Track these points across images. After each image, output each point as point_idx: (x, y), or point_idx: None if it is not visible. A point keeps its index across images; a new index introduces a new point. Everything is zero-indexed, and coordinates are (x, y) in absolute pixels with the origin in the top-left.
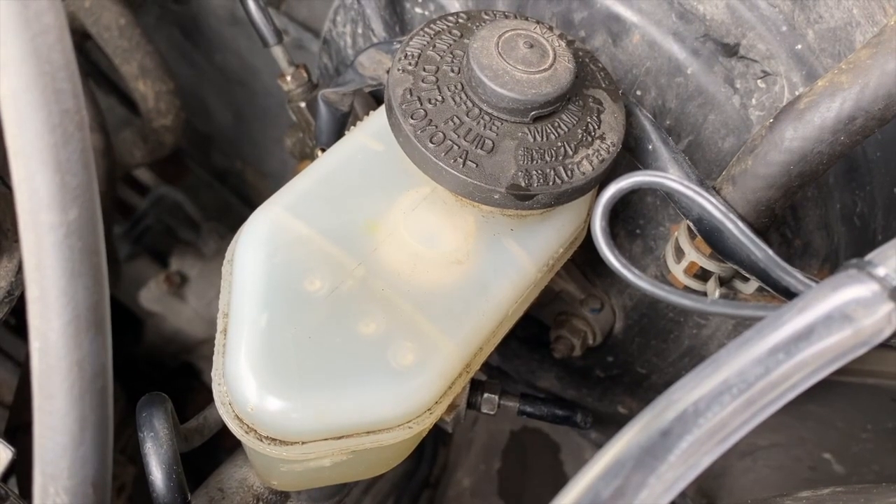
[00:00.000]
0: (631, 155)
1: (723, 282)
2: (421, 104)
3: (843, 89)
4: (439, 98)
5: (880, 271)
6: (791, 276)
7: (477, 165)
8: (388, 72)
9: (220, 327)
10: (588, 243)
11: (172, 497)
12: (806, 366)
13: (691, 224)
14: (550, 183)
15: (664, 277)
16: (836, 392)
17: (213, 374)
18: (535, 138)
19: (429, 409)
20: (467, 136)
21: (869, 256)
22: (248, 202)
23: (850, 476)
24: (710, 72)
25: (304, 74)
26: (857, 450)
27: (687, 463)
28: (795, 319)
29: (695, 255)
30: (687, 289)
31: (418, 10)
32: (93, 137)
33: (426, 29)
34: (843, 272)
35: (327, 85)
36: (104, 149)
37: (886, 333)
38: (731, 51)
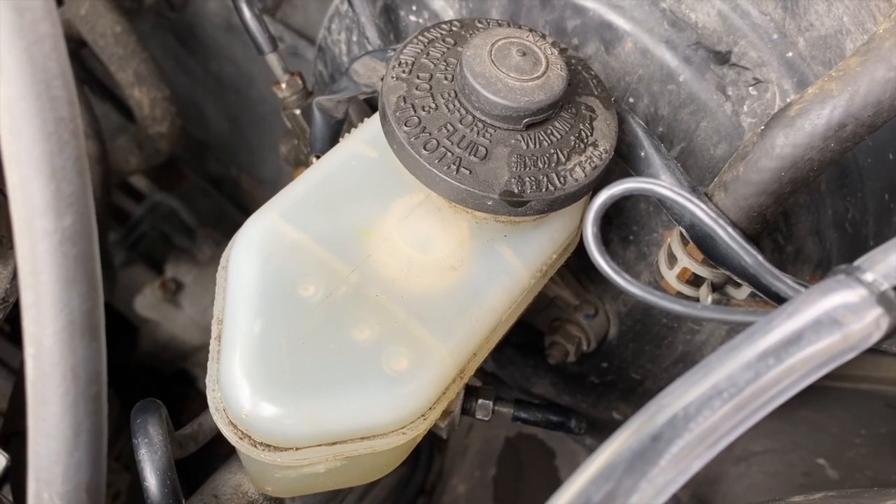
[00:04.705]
0: (623, 162)
1: (715, 287)
2: (415, 111)
3: (833, 96)
4: (433, 105)
5: (868, 276)
6: (781, 281)
7: (470, 172)
8: (382, 79)
9: (214, 333)
10: (582, 249)
11: (167, 503)
12: (795, 370)
13: (683, 230)
14: (543, 189)
15: (657, 283)
16: (830, 397)
17: (207, 380)
18: (528, 145)
19: (423, 415)
20: (461, 143)
21: (857, 262)
22: (244, 209)
23: (845, 481)
24: (702, 79)
25: (299, 82)
26: (850, 455)
27: (678, 467)
28: (785, 324)
29: (687, 261)
30: (680, 294)
31: (412, 17)
32: (88, 144)
33: (420, 37)
34: (832, 277)
35: (322, 92)
36: (99, 156)
37: (875, 338)
38: (722, 58)
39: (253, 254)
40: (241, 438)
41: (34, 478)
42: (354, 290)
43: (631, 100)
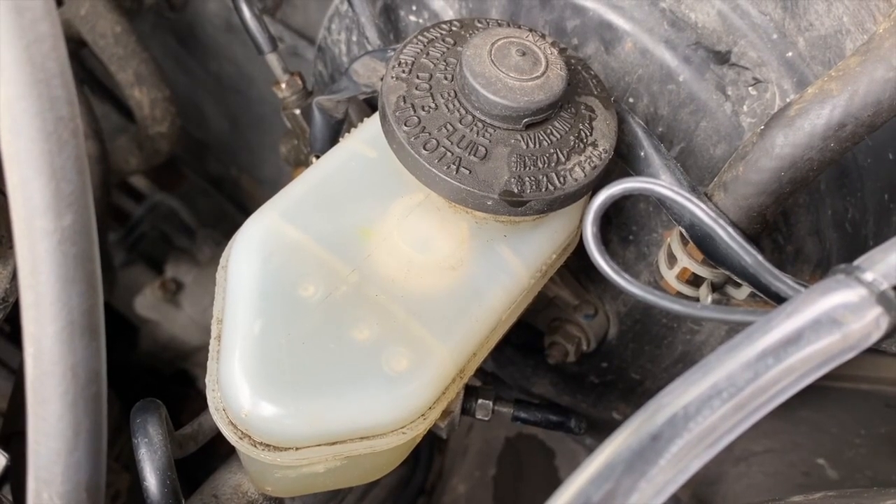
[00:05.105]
0: (623, 162)
1: (715, 287)
2: (414, 111)
3: (832, 96)
4: (433, 105)
5: (868, 276)
6: (781, 281)
7: (470, 172)
8: (382, 79)
9: (214, 333)
10: (582, 249)
11: (167, 503)
12: (794, 370)
13: (683, 230)
14: (543, 189)
15: (657, 283)
16: (830, 397)
17: (206, 379)
18: (527, 145)
19: (422, 415)
20: (460, 142)
21: (857, 262)
22: (244, 209)
23: (844, 481)
24: (702, 79)
25: (299, 82)
26: (850, 455)
27: (677, 467)
28: (784, 324)
29: (687, 260)
30: (679, 294)
31: (412, 17)
32: (88, 144)
33: (420, 37)
34: (832, 277)
35: (322, 92)
36: (99, 156)
37: (874, 338)
38: (722, 58)
39: (253, 253)
40: (240, 438)
41: (34, 477)
42: (354, 290)
43: (630, 100)
